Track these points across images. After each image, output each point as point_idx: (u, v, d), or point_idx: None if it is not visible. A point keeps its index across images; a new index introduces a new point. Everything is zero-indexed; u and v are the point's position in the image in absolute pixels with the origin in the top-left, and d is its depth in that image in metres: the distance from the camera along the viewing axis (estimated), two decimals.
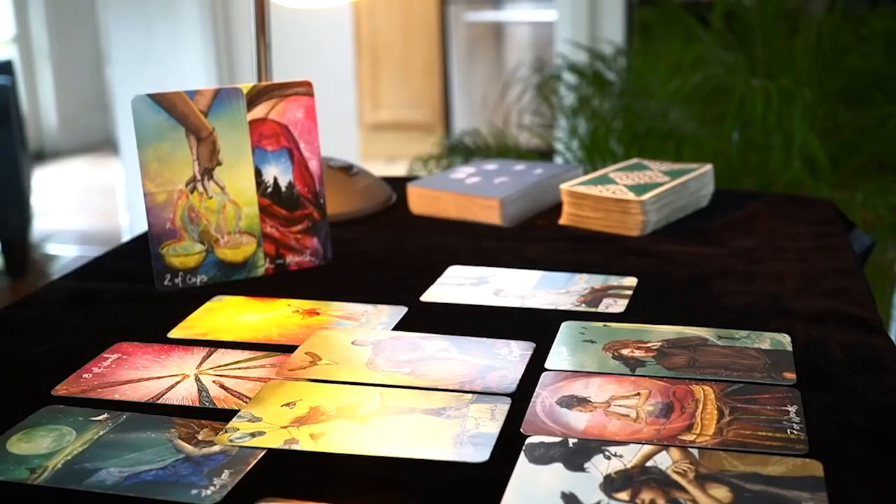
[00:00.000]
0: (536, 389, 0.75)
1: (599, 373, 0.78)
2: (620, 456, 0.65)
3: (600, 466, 0.63)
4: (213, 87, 1.02)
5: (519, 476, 0.63)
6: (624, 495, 0.60)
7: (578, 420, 0.70)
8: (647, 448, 0.66)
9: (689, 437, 0.67)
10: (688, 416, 0.70)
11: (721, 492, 0.60)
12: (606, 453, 0.65)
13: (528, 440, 0.67)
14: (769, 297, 0.94)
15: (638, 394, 0.74)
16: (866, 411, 0.71)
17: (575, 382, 0.76)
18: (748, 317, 0.89)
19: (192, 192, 1.01)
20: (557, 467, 0.63)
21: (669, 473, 0.62)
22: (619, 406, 0.72)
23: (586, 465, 0.64)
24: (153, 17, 3.16)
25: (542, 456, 0.65)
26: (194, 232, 1.01)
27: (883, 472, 0.63)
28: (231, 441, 0.68)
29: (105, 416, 0.73)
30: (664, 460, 0.64)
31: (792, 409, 0.71)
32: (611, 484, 0.61)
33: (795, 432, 0.67)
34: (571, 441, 0.67)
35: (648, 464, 0.64)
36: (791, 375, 0.76)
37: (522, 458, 0.65)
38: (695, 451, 0.65)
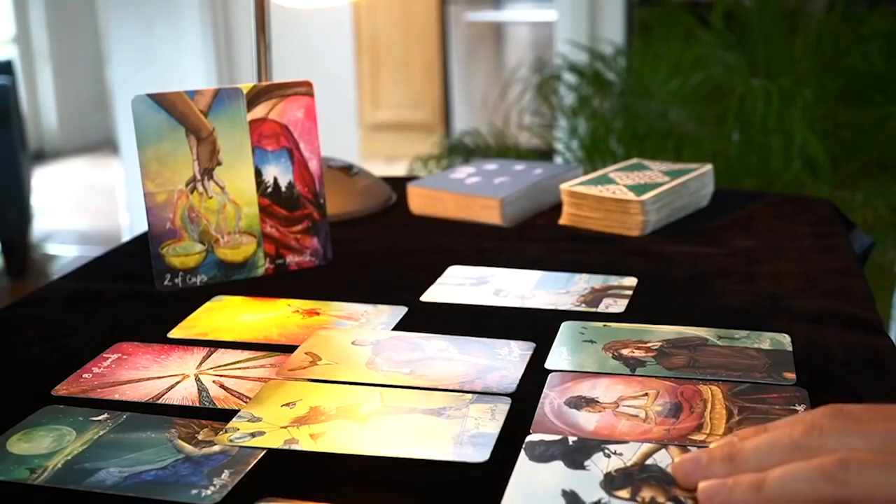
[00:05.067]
0: (544, 390, 0.75)
1: (607, 373, 0.77)
2: (620, 454, 0.65)
3: (600, 464, 0.63)
4: (213, 87, 1.02)
5: (519, 474, 0.63)
6: (624, 493, 0.60)
7: (587, 421, 0.70)
8: (646, 446, 0.66)
9: (699, 437, 0.67)
10: (697, 416, 0.70)
11: None
12: (606, 451, 0.65)
13: (527, 438, 0.67)
14: (769, 297, 0.94)
15: (646, 394, 0.73)
16: None
17: (582, 383, 0.76)
18: (748, 317, 0.89)
19: (192, 192, 1.01)
20: (558, 465, 0.63)
21: (669, 471, 0.62)
22: (628, 406, 0.72)
23: (586, 463, 0.64)
24: (153, 17, 3.16)
25: (543, 454, 0.65)
26: (194, 232, 1.01)
27: None
28: (231, 441, 0.68)
29: (105, 416, 0.73)
30: (664, 458, 0.64)
31: (801, 408, 0.71)
32: (611, 482, 0.61)
33: None
34: (571, 439, 0.67)
35: (648, 462, 0.64)
36: (791, 375, 0.76)
37: (523, 456, 0.65)
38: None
